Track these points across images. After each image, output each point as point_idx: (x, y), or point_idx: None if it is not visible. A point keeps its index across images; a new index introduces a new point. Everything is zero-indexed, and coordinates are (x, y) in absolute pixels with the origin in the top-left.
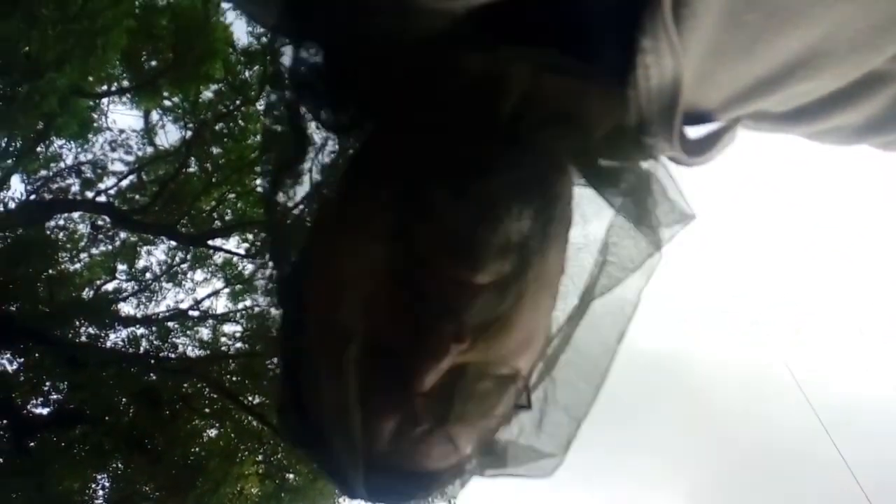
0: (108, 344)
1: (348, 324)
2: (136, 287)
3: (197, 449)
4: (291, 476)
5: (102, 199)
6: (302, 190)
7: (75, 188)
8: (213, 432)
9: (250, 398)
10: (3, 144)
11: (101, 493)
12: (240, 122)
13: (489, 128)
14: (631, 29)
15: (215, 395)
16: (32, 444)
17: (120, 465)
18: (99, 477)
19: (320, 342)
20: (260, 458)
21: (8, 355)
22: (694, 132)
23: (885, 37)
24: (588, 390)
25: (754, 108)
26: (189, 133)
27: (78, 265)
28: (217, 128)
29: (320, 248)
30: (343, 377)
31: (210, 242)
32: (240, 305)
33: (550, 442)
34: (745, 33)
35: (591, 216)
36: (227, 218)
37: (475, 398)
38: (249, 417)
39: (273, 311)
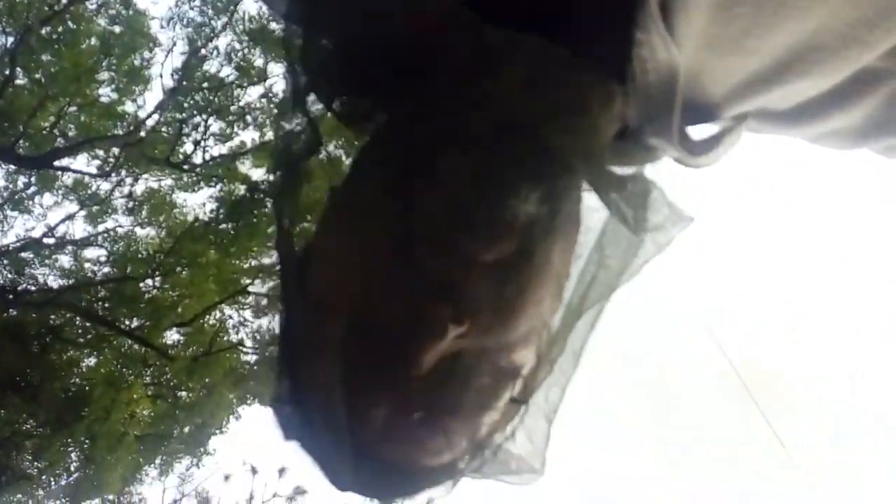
0: None
1: (339, 302)
2: None
3: (77, 380)
4: (184, 394)
5: None
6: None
7: None
8: (92, 361)
9: (127, 322)
10: None
11: None
12: (70, 24)
13: (491, 110)
14: (626, 23)
15: (88, 324)
16: None
17: None
18: None
19: (314, 323)
20: (148, 380)
21: None
22: (698, 132)
23: (874, 32)
24: (558, 393)
25: (755, 105)
26: (10, 40)
27: None
28: (44, 32)
29: (323, 234)
30: (330, 355)
31: (56, 163)
32: (100, 227)
33: (529, 446)
34: (736, 26)
35: (591, 225)
36: (70, 134)
37: (471, 387)
38: (129, 342)
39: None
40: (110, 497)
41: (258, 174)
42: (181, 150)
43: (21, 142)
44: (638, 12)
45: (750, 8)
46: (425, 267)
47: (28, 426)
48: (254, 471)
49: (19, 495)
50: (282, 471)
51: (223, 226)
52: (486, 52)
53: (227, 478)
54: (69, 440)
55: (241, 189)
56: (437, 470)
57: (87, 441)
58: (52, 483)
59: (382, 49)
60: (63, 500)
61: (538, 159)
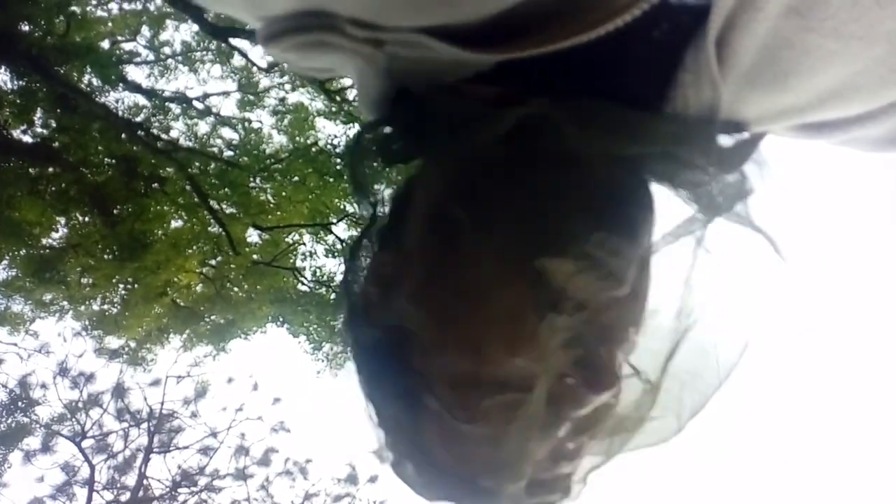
0: (107, 101)
1: (497, 377)
2: (151, 56)
3: (159, 232)
4: (235, 289)
5: None
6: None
7: None
8: (178, 224)
9: (224, 205)
10: None
11: (54, 235)
12: None
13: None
14: (669, 61)
15: (189, 189)
16: (4, 164)
17: (79, 217)
18: (57, 218)
19: (449, 397)
20: (212, 262)
21: (8, 74)
22: (726, 140)
23: None
24: (698, 398)
25: (787, 125)
26: None
27: (103, 13)
28: None
29: (440, 310)
30: (521, 429)
31: (231, 40)
32: (244, 115)
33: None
34: (779, 67)
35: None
36: None
37: (605, 414)
38: (212, 221)
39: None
40: (132, 344)
41: None
42: (340, 82)
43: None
44: (689, 56)
45: (796, 52)
46: (572, 324)
47: (98, 247)
48: (254, 387)
49: (50, 295)
50: (276, 400)
51: (336, 160)
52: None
53: (230, 380)
54: (118, 275)
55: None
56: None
57: (132, 284)
58: (86, 302)
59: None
60: (86, 322)
61: (646, 198)
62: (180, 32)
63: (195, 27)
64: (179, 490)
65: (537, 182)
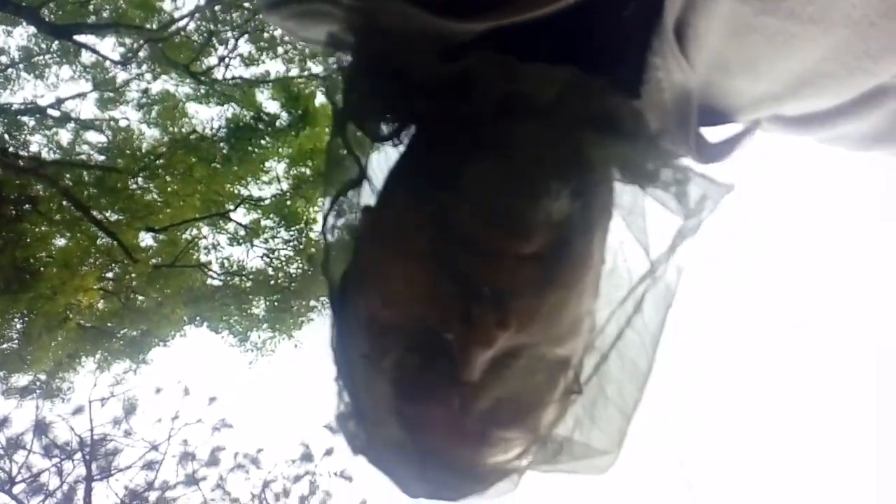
0: None
1: (387, 317)
2: None
3: (43, 255)
4: (141, 298)
5: None
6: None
7: None
8: (62, 242)
9: (106, 214)
10: None
11: None
12: None
13: (520, 120)
14: (642, 49)
15: (67, 204)
16: None
17: None
18: None
19: (366, 341)
20: (110, 275)
21: None
22: (715, 133)
23: (880, 64)
24: (633, 389)
25: (768, 114)
26: None
27: None
28: None
29: (364, 252)
30: (387, 372)
31: (77, 37)
32: (107, 115)
33: (603, 438)
34: (747, 52)
35: (633, 213)
36: (104, 14)
37: (525, 384)
38: (100, 232)
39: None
40: (42, 377)
41: (272, 107)
42: (205, 62)
43: (50, 6)
44: (654, 40)
45: (761, 37)
46: (465, 271)
47: None
48: (186, 391)
49: None
50: (212, 399)
51: (220, 145)
52: (517, 83)
53: (158, 391)
54: (12, 309)
55: (248, 116)
56: (500, 466)
57: (29, 315)
58: None
59: (414, 78)
60: None
61: (568, 157)
62: (14, 38)
63: (31, 29)
64: None
65: (453, 133)
